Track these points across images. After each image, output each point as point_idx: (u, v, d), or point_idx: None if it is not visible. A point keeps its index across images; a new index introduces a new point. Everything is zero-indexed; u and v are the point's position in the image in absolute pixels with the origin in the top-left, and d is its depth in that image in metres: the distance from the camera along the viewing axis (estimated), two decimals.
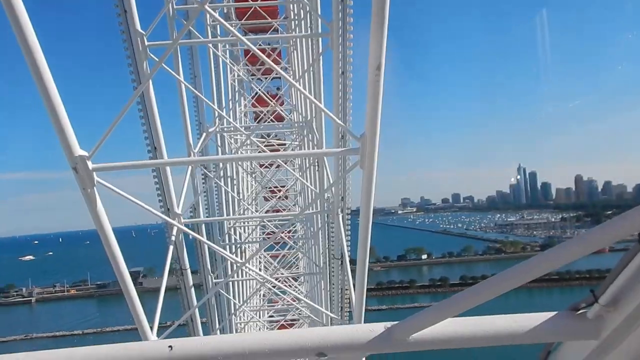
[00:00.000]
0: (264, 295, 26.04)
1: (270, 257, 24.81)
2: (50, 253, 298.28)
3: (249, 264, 10.27)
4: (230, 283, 15.21)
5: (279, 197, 28.06)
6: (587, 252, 2.37)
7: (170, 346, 2.58)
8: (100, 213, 5.25)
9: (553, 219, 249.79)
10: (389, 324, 2.70)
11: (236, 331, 16.55)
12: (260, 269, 14.65)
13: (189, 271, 10.79)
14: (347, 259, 9.46)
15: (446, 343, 2.66)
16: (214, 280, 12.32)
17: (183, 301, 11.27)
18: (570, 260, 2.47)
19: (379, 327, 2.70)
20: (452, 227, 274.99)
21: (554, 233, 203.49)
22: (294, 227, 26.40)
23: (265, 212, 24.77)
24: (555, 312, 2.70)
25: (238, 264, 11.66)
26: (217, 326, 14.03)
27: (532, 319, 2.69)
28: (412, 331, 2.66)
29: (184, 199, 9.98)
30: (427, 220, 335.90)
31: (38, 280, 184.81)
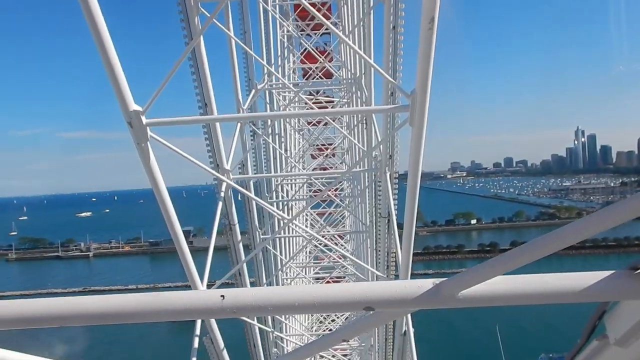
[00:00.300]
0: (310, 252, 26.47)
1: (317, 214, 25.04)
2: (107, 210, 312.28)
3: (296, 220, 10.40)
4: (277, 240, 15.48)
5: (326, 155, 28.11)
6: None
7: (222, 295, 2.66)
8: (153, 167, 5.39)
9: (612, 184, 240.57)
10: (437, 280, 2.68)
11: None
12: (306, 226, 14.79)
13: (237, 227, 11.03)
14: (394, 218, 9.44)
15: (495, 300, 2.62)
16: (262, 236, 12.56)
17: (231, 256, 11.57)
18: (627, 218, 2.36)
19: (427, 284, 2.69)
20: (503, 191, 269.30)
21: (613, 198, 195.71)
22: (341, 185, 26.46)
23: (313, 170, 24.87)
24: (612, 271, 2.60)
25: (285, 221, 11.83)
26: (264, 281, 14.40)
27: (586, 277, 2.61)
28: (461, 288, 2.63)
29: (233, 155, 10.13)
30: (477, 184, 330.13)
31: (95, 236, 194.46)
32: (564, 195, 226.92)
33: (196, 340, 7.81)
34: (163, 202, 5.62)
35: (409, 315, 9.08)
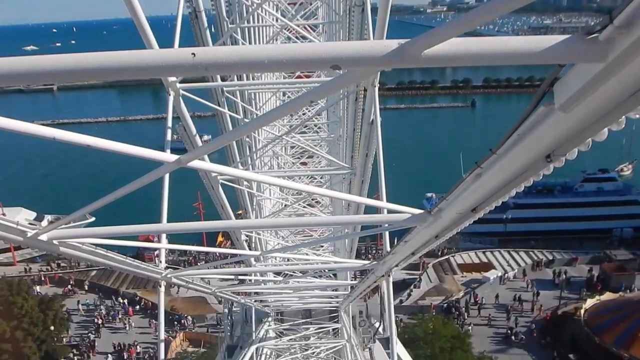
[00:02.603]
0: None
1: (288, 4, 23.84)
2: (73, 42, 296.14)
3: (266, 5, 9.95)
4: (247, 30, 14.73)
5: None
6: None
7: (193, 53, 2.67)
8: None
9: (593, 23, 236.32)
10: (402, 41, 2.74)
11: None
12: (276, 20, 13.84)
13: (203, 14, 10.54)
14: (369, 6, 9.24)
15: (460, 60, 2.71)
16: (229, 26, 12.05)
17: (198, 44, 11.05)
18: None
19: (392, 43, 2.74)
20: (482, 28, 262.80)
21: None
22: None
23: None
24: (568, 35, 2.69)
25: (254, 6, 11.46)
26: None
27: (544, 40, 2.70)
28: (425, 47, 2.69)
29: None
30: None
31: None
32: (543, 33, 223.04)
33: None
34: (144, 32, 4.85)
35: (377, 103, 9.48)
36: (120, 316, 55.11)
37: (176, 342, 49.69)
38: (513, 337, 49.26)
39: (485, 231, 71.84)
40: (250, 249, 16.64)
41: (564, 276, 57.64)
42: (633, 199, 72.49)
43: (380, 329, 20.64)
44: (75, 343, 51.07)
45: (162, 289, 9.65)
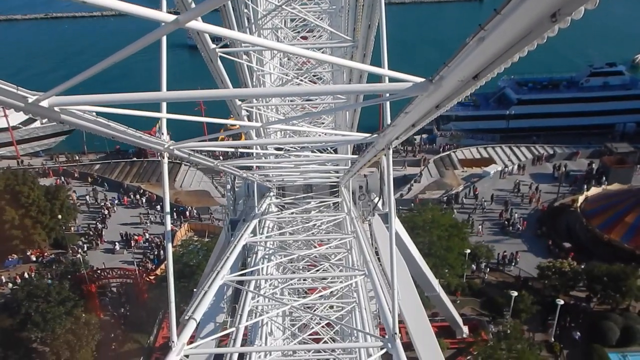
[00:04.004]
0: None
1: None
2: None
3: None
4: None
5: None
6: None
7: None
8: None
9: None
10: None
11: None
12: None
13: None
14: None
15: None
16: None
17: None
18: None
19: None
20: None
21: None
22: None
23: None
24: None
25: None
26: None
27: None
28: None
29: None
30: None
31: None
32: None
33: None
34: None
35: None
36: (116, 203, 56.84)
37: (181, 232, 51.16)
38: (510, 228, 50.58)
39: (487, 128, 71.58)
40: None
41: (564, 169, 58.13)
42: (638, 93, 71.34)
43: (380, 205, 20.96)
44: (82, 232, 52.65)
45: (166, 160, 9.45)
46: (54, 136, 72.55)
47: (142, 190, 58.43)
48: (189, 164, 64.89)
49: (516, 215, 51.95)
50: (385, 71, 6.64)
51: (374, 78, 8.32)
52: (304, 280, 17.69)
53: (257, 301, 15.81)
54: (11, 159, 67.04)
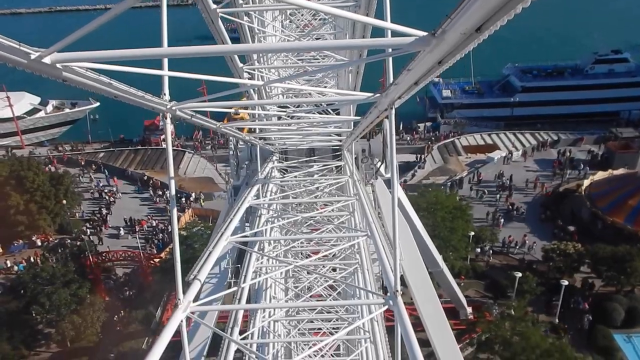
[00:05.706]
0: None
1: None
2: None
3: None
4: None
5: None
6: None
7: None
8: None
9: None
10: None
11: None
12: None
13: None
14: None
15: None
16: None
17: None
18: None
19: None
20: None
21: None
22: None
23: None
24: None
25: None
26: None
27: None
28: None
29: None
30: None
31: None
32: None
33: None
34: None
35: None
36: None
37: (185, 217, 51.24)
38: (514, 212, 50.43)
39: (491, 115, 71.35)
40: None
41: (568, 154, 57.92)
42: None
43: (382, 169, 20.91)
44: (87, 218, 52.85)
45: (168, 121, 9.37)
46: (58, 126, 72.84)
47: (146, 177, 58.59)
48: (193, 151, 65.14)
49: (520, 202, 51.87)
50: (387, 24, 6.54)
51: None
52: (308, 242, 17.68)
53: (261, 262, 15.81)
54: (16, 149, 67.30)
